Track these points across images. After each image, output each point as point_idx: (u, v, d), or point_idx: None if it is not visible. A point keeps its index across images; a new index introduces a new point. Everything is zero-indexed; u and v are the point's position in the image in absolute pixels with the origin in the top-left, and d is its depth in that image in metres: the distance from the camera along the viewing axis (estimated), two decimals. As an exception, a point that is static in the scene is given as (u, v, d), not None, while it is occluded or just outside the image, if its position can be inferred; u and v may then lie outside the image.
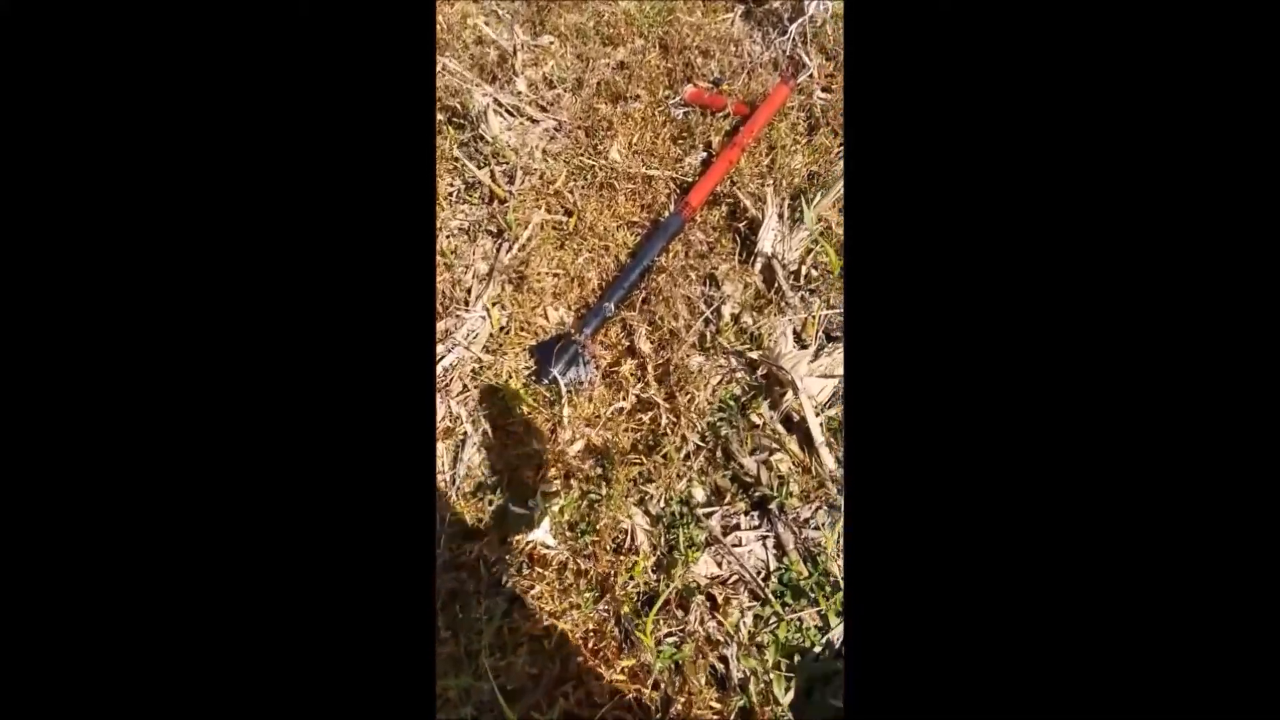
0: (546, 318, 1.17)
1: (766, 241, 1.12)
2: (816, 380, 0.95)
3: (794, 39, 1.47)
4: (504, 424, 1.04)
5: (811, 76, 1.38)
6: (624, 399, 1.02)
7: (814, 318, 1.03)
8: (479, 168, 1.31)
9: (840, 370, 0.97)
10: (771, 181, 1.20)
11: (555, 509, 0.91)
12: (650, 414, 0.99)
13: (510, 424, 1.03)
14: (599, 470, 0.95)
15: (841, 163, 1.23)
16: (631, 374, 1.04)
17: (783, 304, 1.07)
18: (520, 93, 1.43)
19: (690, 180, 1.28)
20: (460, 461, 1.00)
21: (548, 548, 0.89)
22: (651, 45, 1.54)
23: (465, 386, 1.08)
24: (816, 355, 0.98)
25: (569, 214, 1.27)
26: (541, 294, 1.18)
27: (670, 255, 1.17)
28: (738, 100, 1.36)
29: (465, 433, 1.03)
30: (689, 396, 0.97)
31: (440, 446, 1.01)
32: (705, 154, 1.33)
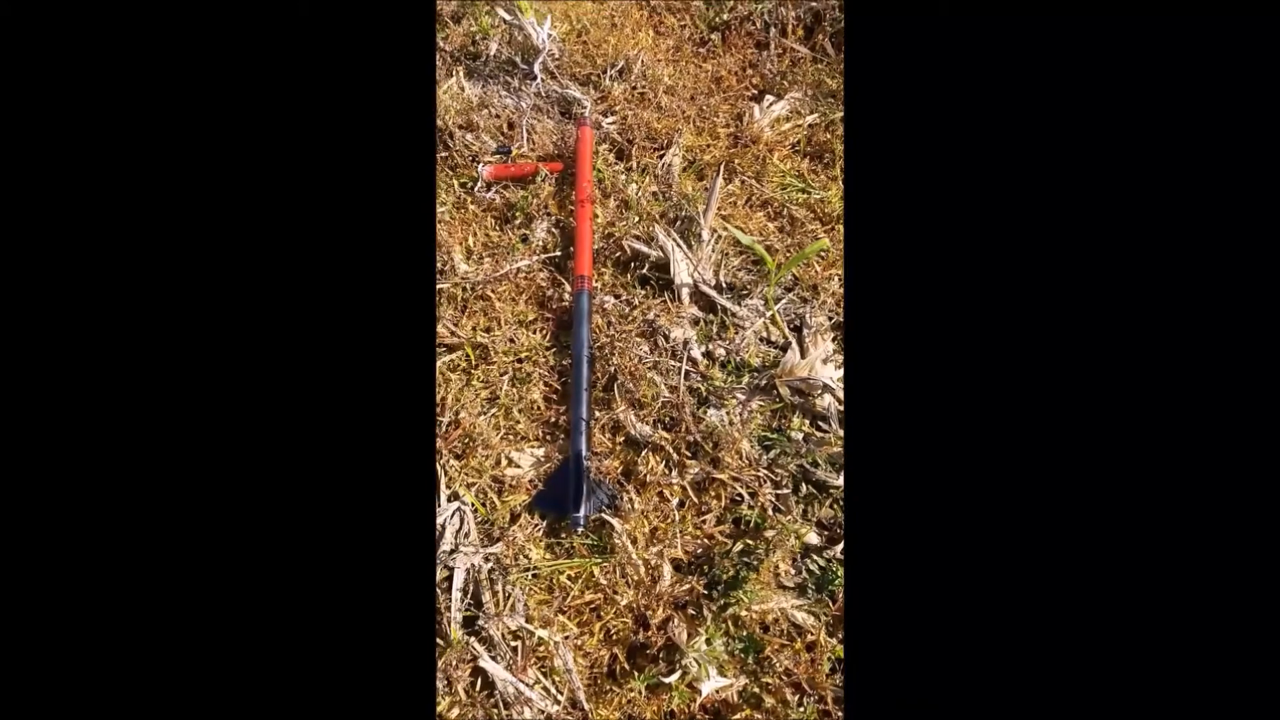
0: (518, 465, 1.01)
1: (683, 271, 1.08)
2: (829, 369, 0.96)
3: (541, 75, 1.42)
4: (577, 606, 0.88)
5: (604, 100, 1.36)
6: (671, 493, 0.93)
7: (777, 315, 1.03)
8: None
9: (833, 353, 0.98)
10: (641, 217, 1.16)
11: (705, 650, 0.81)
12: (712, 491, 0.91)
13: (582, 604, 0.88)
14: (711, 578, 0.85)
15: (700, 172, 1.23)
16: (657, 463, 0.95)
17: (734, 319, 1.05)
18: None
19: (557, 256, 1.19)
20: (571, 672, 0.83)
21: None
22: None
23: (502, 596, 0.89)
24: (804, 350, 0.98)
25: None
26: (494, 446, 1.02)
27: (599, 331, 1.08)
28: (546, 160, 1.28)
29: (554, 641, 0.85)
30: (735, 454, 0.92)
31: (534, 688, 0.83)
32: (548, 220, 1.24)
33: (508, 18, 1.47)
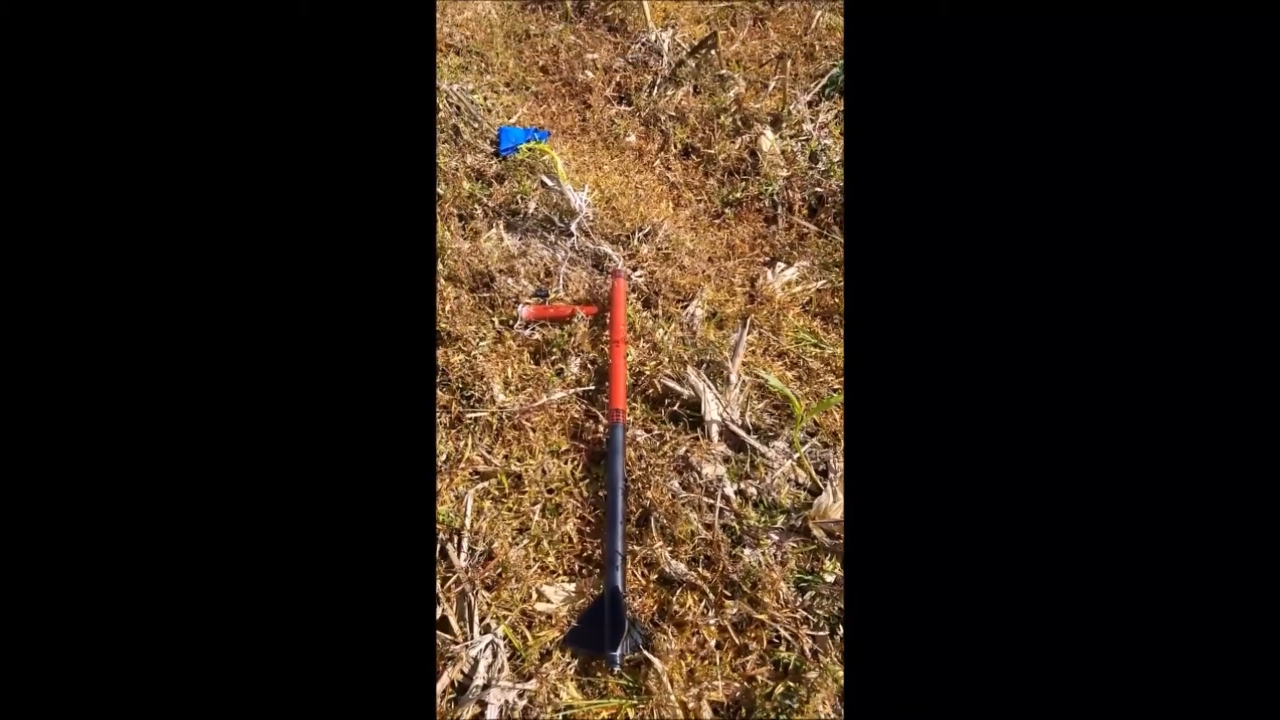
0: (549, 600, 1.00)
1: (713, 410, 1.16)
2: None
3: (577, 233, 1.58)
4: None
5: (633, 258, 1.51)
6: (709, 634, 0.93)
7: (804, 458, 1.10)
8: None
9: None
10: (671, 358, 1.26)
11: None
12: (750, 632, 0.92)
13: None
14: (752, 723, 0.84)
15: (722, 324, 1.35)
16: (695, 602, 0.96)
17: (763, 459, 1.11)
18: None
19: (591, 390, 1.26)
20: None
21: None
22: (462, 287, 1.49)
23: (531, 737, 0.85)
24: (835, 493, 1.04)
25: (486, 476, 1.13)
26: (525, 579, 1.01)
27: (632, 465, 1.13)
28: (581, 304, 1.40)
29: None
30: (773, 595, 0.94)
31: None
32: (582, 357, 1.33)
33: (548, 182, 1.67)
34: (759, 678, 0.88)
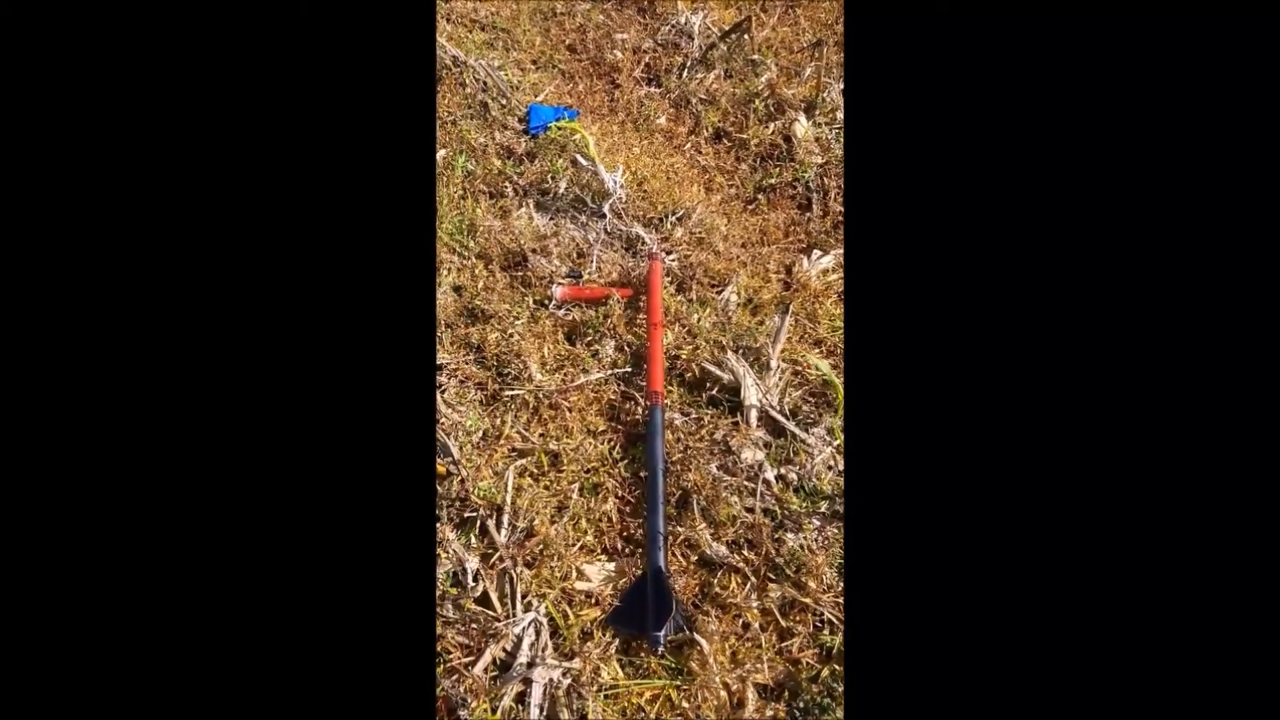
0: (588, 579, 1.00)
1: (752, 395, 1.15)
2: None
3: (611, 215, 1.57)
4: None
5: (665, 241, 1.50)
6: (752, 617, 0.93)
7: (844, 445, 1.09)
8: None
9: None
10: (708, 342, 1.25)
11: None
12: (794, 615, 0.92)
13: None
14: (800, 706, 0.84)
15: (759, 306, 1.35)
16: (738, 585, 0.96)
17: (803, 445, 1.11)
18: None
19: (627, 372, 1.26)
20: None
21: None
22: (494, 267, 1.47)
23: (582, 715, 0.85)
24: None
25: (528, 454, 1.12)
26: (565, 557, 1.01)
27: (671, 447, 1.12)
28: (616, 286, 1.39)
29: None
30: (817, 579, 0.93)
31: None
32: (616, 339, 1.32)
33: (581, 161, 1.65)
34: (804, 661, 0.88)
